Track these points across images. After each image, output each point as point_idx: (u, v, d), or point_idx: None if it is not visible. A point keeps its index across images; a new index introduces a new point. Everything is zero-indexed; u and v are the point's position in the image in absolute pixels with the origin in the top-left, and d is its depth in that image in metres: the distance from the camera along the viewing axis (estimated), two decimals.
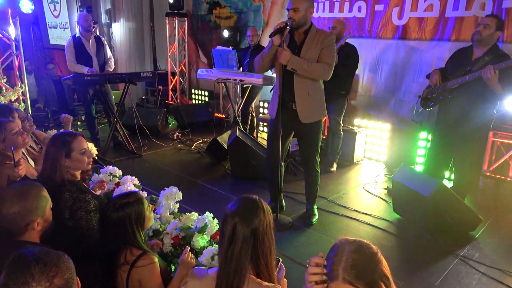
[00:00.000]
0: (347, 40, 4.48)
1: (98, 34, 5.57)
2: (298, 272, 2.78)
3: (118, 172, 3.15)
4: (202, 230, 2.36)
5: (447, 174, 4.13)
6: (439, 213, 3.20)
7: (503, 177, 4.13)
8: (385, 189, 4.26)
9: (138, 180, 3.07)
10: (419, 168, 4.38)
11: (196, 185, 4.34)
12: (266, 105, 6.42)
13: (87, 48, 5.19)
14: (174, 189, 2.64)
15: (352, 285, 1.12)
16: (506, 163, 4.11)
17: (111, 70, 5.37)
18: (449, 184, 3.81)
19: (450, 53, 3.66)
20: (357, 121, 5.27)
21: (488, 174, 4.21)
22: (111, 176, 3.05)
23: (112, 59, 5.51)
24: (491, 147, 4.17)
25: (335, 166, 4.82)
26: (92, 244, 1.98)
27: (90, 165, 2.14)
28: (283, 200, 3.73)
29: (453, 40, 4.52)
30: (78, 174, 2.12)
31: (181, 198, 2.64)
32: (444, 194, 3.20)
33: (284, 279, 1.84)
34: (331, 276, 1.18)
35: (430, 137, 4.20)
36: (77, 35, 5.20)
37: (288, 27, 3.04)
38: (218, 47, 5.18)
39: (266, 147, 3.70)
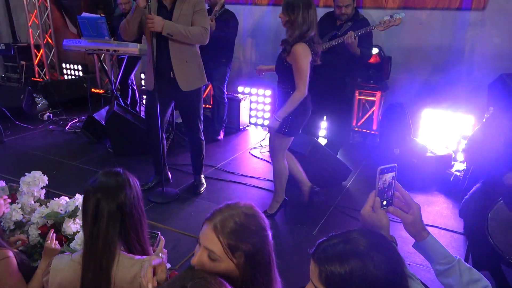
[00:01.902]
0: (226, 7, 4.43)
1: None
2: (188, 242, 2.77)
3: None
4: (72, 214, 2.16)
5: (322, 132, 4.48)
6: (316, 168, 3.47)
7: (368, 131, 4.64)
8: (268, 152, 4.44)
9: None
10: None
11: (73, 168, 3.97)
12: None
13: None
14: (37, 173, 2.34)
15: (216, 236, 1.11)
16: (370, 118, 4.62)
17: None
18: (323, 142, 4.14)
19: (318, 18, 3.86)
20: (240, 88, 5.34)
21: (356, 129, 4.68)
22: None
23: None
24: (357, 104, 4.62)
25: (222, 134, 4.86)
26: None
27: None
28: (169, 173, 3.64)
29: (321, 6, 4.80)
30: None
31: (46, 182, 2.36)
32: (319, 151, 3.47)
33: (164, 250, 1.78)
34: (209, 217, 1.16)
35: None
36: None
37: None
38: (85, 14, 4.66)
39: None
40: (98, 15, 4.59)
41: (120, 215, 1.39)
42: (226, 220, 1.12)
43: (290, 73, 2.70)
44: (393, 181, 1.16)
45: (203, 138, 3.43)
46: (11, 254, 1.57)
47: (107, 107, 4.70)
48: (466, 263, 1.15)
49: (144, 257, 1.42)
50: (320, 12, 4.60)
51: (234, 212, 1.14)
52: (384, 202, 1.16)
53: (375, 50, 3.68)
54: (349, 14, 3.42)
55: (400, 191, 1.17)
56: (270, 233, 1.18)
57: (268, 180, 3.78)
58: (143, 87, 6.00)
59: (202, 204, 3.33)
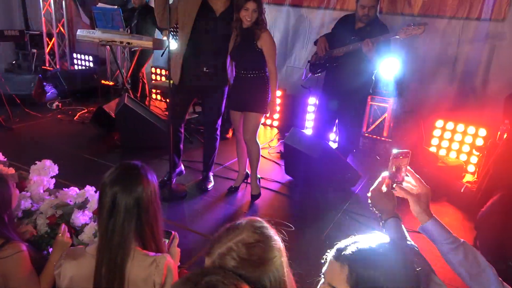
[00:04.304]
0: None
1: None
2: (194, 240, 2.74)
3: None
4: (82, 205, 2.13)
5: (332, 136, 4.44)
6: (325, 171, 3.43)
7: (379, 137, 4.59)
8: (278, 153, 4.41)
9: (2, 155, 2.63)
10: (308, 131, 4.62)
11: (80, 159, 3.95)
12: (158, 71, 6.07)
13: None
14: (48, 162, 2.32)
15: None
16: (381, 124, 4.56)
17: None
18: (334, 145, 4.10)
19: (334, 21, 3.82)
20: None
21: (366, 135, 4.63)
22: None
23: None
24: (369, 110, 4.57)
25: (230, 132, 4.83)
26: None
27: None
28: (182, 166, 3.62)
29: (338, 8, 4.76)
30: None
31: (57, 172, 2.34)
32: (329, 154, 3.43)
33: (177, 248, 1.75)
34: (208, 249, 1.03)
35: (317, 102, 4.43)
36: None
37: None
38: (100, 4, 4.65)
39: (162, 114, 3.52)
40: (114, 7, 4.58)
41: (137, 210, 1.36)
42: (224, 256, 0.99)
43: (261, 57, 3.01)
44: (406, 165, 1.23)
45: (219, 135, 3.43)
46: (24, 248, 1.55)
47: (116, 99, 4.68)
48: (471, 246, 1.19)
49: (159, 254, 1.39)
50: (336, 14, 4.60)
51: (236, 245, 1.00)
52: (394, 185, 1.24)
53: (397, 63, 3.60)
54: (371, 17, 3.36)
55: (411, 175, 1.24)
56: (283, 251, 1.05)
57: (276, 181, 3.75)
58: (153, 81, 5.98)
59: (210, 202, 3.30)
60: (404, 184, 1.27)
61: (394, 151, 1.21)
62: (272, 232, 1.06)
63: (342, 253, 0.94)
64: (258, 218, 1.08)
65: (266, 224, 1.07)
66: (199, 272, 0.88)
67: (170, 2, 2.93)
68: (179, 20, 3.02)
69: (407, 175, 1.26)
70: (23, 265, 1.55)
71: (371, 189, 1.29)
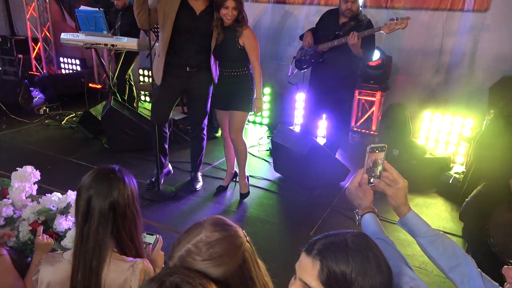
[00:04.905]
0: None
1: None
2: None
3: None
4: (64, 211, 2.11)
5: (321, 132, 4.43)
6: (314, 167, 3.42)
7: (367, 131, 4.60)
8: (267, 150, 4.41)
9: None
10: (297, 128, 4.62)
11: (68, 164, 3.91)
12: (146, 72, 6.03)
13: None
14: (29, 168, 2.29)
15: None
16: (369, 118, 4.57)
17: None
18: (322, 141, 4.09)
19: (319, 17, 3.81)
20: None
21: (355, 129, 4.64)
22: None
23: None
24: (357, 104, 4.57)
25: (220, 131, 4.81)
26: None
27: None
28: (169, 165, 3.60)
29: (322, 4, 4.75)
30: None
31: (39, 178, 2.31)
32: (317, 150, 3.43)
33: (161, 252, 1.73)
34: (170, 253, 1.01)
35: (304, 98, 4.42)
36: None
37: None
38: (83, 7, 4.60)
39: (150, 115, 3.51)
40: (96, 9, 4.53)
41: (113, 214, 1.34)
42: (184, 258, 0.97)
43: (244, 54, 3.01)
44: (382, 160, 1.22)
45: (205, 134, 3.42)
46: (5, 252, 1.54)
47: (103, 103, 4.64)
48: (450, 238, 1.18)
49: (137, 259, 1.37)
50: (321, 10, 4.59)
51: (191, 244, 0.98)
52: (371, 179, 1.23)
53: (377, 54, 3.59)
54: (354, 12, 3.35)
55: (388, 169, 1.23)
56: (245, 245, 1.02)
57: (265, 179, 3.74)
58: (141, 83, 5.95)
59: (198, 202, 3.29)
60: (382, 178, 1.26)
61: (370, 145, 1.20)
62: (234, 229, 1.03)
63: (314, 248, 0.91)
64: (220, 216, 1.06)
65: (227, 222, 1.04)
66: (165, 272, 0.87)
67: (150, 2, 2.91)
68: (159, 20, 2.99)
69: (384, 170, 1.24)
70: (5, 269, 1.54)
71: (347, 184, 1.29)
